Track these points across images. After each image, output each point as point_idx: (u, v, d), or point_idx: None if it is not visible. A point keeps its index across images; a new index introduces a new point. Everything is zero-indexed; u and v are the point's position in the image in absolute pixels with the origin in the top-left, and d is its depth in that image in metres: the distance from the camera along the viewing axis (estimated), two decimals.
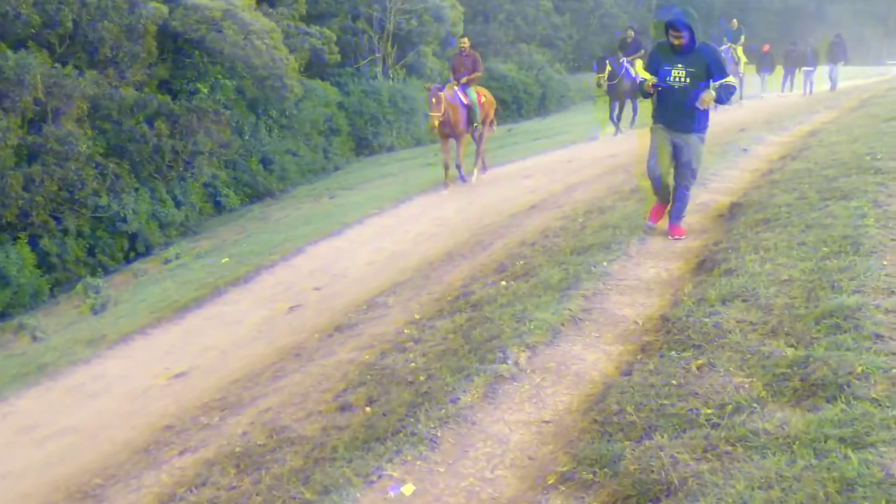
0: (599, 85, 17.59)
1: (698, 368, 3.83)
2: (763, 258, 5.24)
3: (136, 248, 17.71)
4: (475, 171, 14.27)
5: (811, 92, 23.44)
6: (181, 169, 18.90)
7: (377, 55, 30.30)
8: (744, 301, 4.55)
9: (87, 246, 17.08)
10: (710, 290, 4.90)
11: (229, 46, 20.48)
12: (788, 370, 3.56)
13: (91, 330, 9.64)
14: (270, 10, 25.70)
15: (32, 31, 16.92)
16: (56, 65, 16.74)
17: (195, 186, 19.49)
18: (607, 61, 17.46)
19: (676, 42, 6.66)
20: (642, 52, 17.89)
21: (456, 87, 13.36)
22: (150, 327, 8.56)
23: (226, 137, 20.78)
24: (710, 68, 6.68)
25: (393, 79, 30.57)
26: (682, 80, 6.71)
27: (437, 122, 12.72)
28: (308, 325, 7.80)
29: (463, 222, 11.24)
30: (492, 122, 14.63)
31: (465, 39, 14.24)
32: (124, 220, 17.26)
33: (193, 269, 12.35)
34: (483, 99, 13.93)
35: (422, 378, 4.90)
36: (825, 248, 5.17)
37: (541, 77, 39.30)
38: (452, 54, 14.71)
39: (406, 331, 6.25)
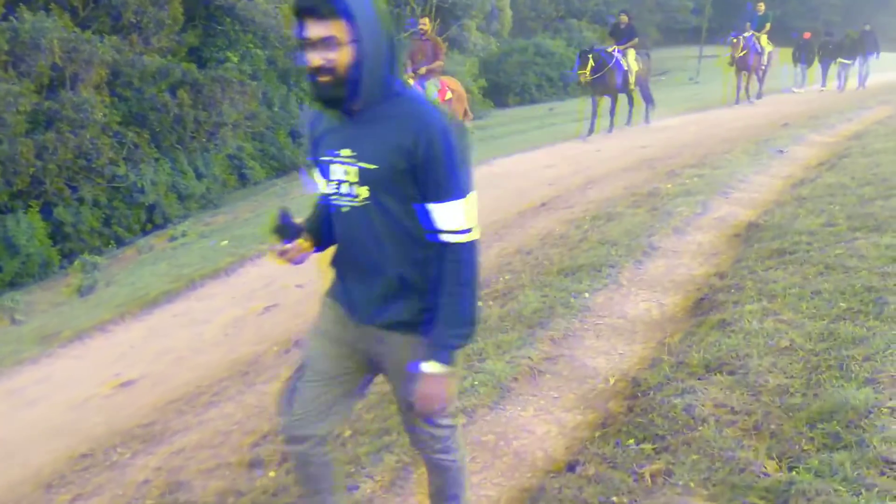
0: (580, 83, 15.79)
1: (652, 477, 2.91)
2: (766, 310, 4.26)
3: (153, 220, 17.15)
4: None
5: (842, 87, 21.46)
6: (204, 140, 18.22)
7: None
8: (730, 374, 3.60)
9: (104, 216, 16.54)
10: (695, 350, 3.95)
11: (260, 15, 19.69)
12: (762, 499, 2.62)
13: (62, 318, 8.98)
14: None
15: None
16: (76, 29, 16.06)
17: (218, 158, 18.83)
18: (590, 55, 15.32)
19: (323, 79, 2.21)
20: (636, 40, 16.21)
21: (413, 81, 11.02)
22: (112, 323, 7.83)
23: (253, 108, 20.05)
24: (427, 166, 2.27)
25: None
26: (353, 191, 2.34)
27: None
28: (274, 333, 7.00)
29: None
30: (465, 114, 12.69)
31: (426, 20, 11.87)
32: (142, 191, 16.66)
33: (193, 250, 11.63)
34: (449, 94, 11.73)
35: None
36: (842, 304, 4.18)
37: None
38: (409, 39, 12.27)
39: None
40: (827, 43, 22.29)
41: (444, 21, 30.31)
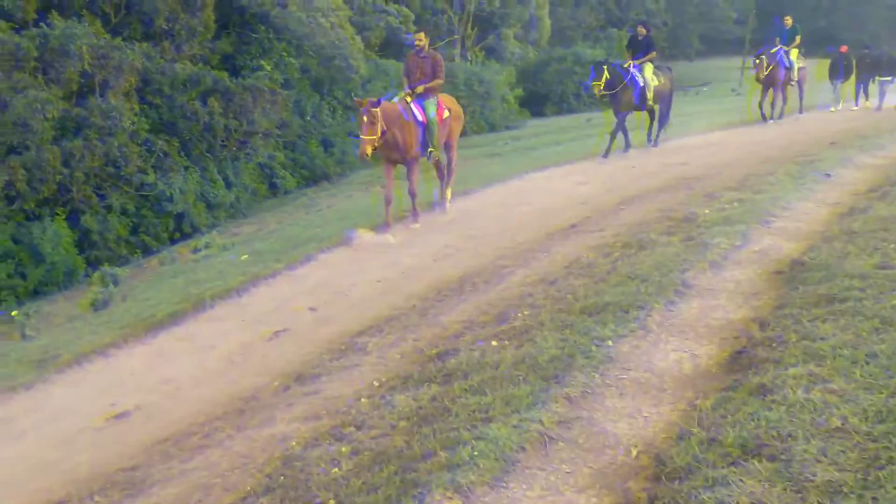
0: (593, 95, 14.95)
1: None
2: (813, 376, 3.68)
3: (181, 229, 16.86)
4: (448, 192, 11.44)
5: (880, 106, 20.05)
6: (234, 149, 17.91)
7: (456, 37, 28.85)
8: (771, 460, 3.04)
9: (131, 225, 16.30)
10: (730, 423, 3.39)
11: (294, 23, 19.37)
12: None
13: (70, 336, 8.61)
14: None
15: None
16: (105, 36, 15.82)
17: (249, 167, 18.50)
18: (605, 67, 14.55)
19: None
20: (654, 53, 15.22)
21: (410, 100, 10.24)
22: (114, 347, 7.43)
23: (286, 118, 19.72)
24: None
25: (471, 61, 29.08)
26: None
27: (369, 149, 9.55)
28: (278, 364, 6.53)
29: (497, 235, 9.82)
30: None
31: (422, 35, 10.71)
32: (170, 200, 16.37)
33: (212, 264, 11.26)
34: (446, 113, 10.81)
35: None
36: None
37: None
38: (407, 55, 11.38)
39: (358, 404, 4.92)
40: (864, 58, 20.74)
41: (481, 30, 29.86)
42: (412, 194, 10.51)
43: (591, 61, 35.37)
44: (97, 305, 10.12)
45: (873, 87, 20.51)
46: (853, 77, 20.69)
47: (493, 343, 5.41)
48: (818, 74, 21.58)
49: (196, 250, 13.25)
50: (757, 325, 4.75)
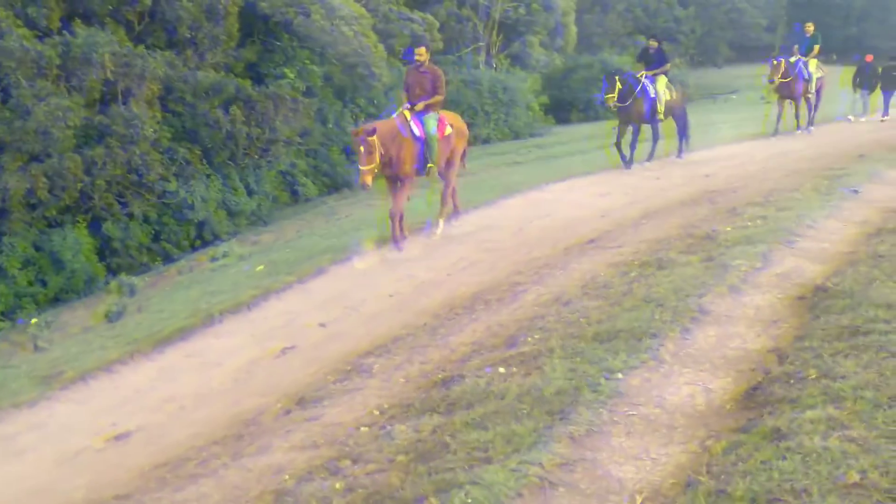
0: (606, 106, 14.43)
1: None
2: (831, 420, 3.42)
3: (202, 237, 16.77)
4: (441, 221, 10.67)
5: None
6: (256, 156, 17.81)
7: (481, 44, 28.64)
8: None
9: (153, 232, 16.24)
10: (740, 472, 3.15)
11: (317, 31, 19.26)
12: None
13: (80, 348, 8.50)
14: None
15: (110, 7, 16.03)
16: (128, 44, 15.80)
17: (270, 175, 18.40)
18: (616, 77, 14.07)
19: None
20: (668, 65, 14.85)
21: (410, 116, 9.83)
22: (120, 363, 7.28)
23: (308, 125, 19.62)
24: None
25: (496, 68, 28.86)
26: None
27: (370, 179, 9.22)
28: (283, 383, 6.36)
29: (513, 249, 9.59)
30: (463, 157, 11.15)
31: (423, 50, 10.18)
32: (192, 208, 16.29)
33: (228, 275, 11.14)
34: (448, 130, 10.28)
35: None
36: None
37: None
38: (406, 70, 10.84)
39: (357, 434, 4.72)
40: (891, 68, 19.83)
41: (506, 37, 29.64)
42: (392, 215, 9.81)
43: (612, 70, 35.24)
44: (111, 317, 10.02)
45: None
46: (878, 88, 19.91)
47: (501, 370, 5.19)
48: (842, 82, 20.96)
49: (214, 259, 13.15)
50: (775, 358, 4.49)
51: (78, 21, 15.38)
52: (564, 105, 32.54)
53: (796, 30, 18.82)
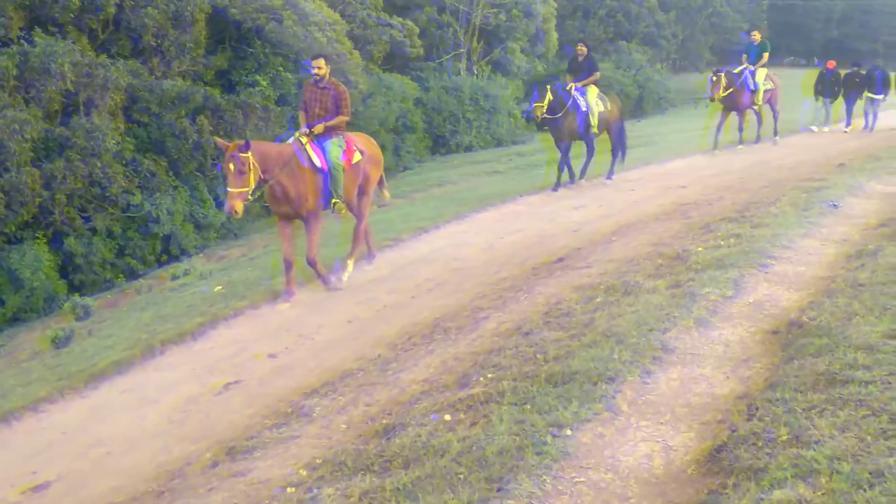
0: (533, 118, 13.17)
1: None
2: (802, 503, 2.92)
3: (169, 251, 16.17)
4: (350, 263, 9.22)
5: (872, 126, 18.37)
6: None
7: (462, 50, 28.14)
8: None
9: (117, 247, 15.61)
10: None
11: (289, 37, 18.70)
12: None
13: (16, 380, 7.93)
14: None
15: (72, 15, 15.43)
16: (90, 53, 15.21)
17: None
18: (548, 87, 12.75)
19: None
20: (597, 74, 13.43)
21: (306, 141, 8.32)
22: (48, 402, 6.74)
23: (280, 133, 19.04)
24: None
25: (477, 75, 28.36)
26: None
27: (239, 206, 7.66)
28: (217, 428, 5.84)
29: (482, 268, 9.11)
30: (381, 183, 9.80)
31: (321, 62, 8.62)
32: (157, 221, 15.69)
33: (184, 296, 10.55)
34: (357, 156, 8.79)
35: None
36: None
37: (639, 77, 36.36)
38: (304, 86, 9.17)
39: (284, 495, 4.22)
40: (853, 75, 18.85)
41: (487, 43, 29.16)
42: (311, 262, 8.59)
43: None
44: (58, 343, 9.45)
45: (862, 107, 18.76)
46: (840, 96, 19.00)
47: (447, 417, 4.69)
48: (804, 90, 20.25)
49: (175, 277, 12.59)
50: (744, 409, 3.99)
51: (38, 30, 14.77)
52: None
53: (743, 38, 18.14)
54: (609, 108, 13.41)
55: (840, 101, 18.94)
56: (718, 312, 5.46)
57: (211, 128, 16.49)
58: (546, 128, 13.40)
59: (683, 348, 4.90)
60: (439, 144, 26.38)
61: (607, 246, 8.95)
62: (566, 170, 13.57)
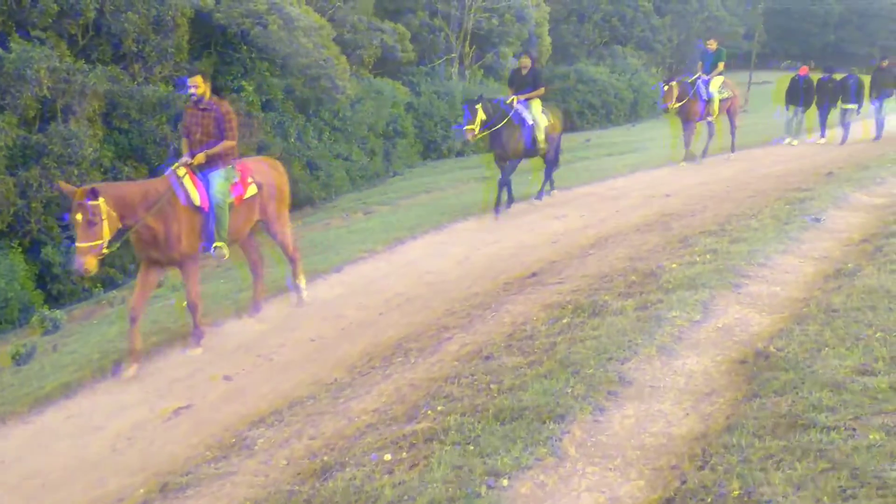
0: (466, 142, 11.81)
1: None
2: None
3: None
4: (301, 279, 8.57)
5: (846, 138, 16.88)
6: None
7: (454, 55, 27.82)
8: None
9: None
10: None
11: (275, 42, 18.40)
12: None
13: None
14: (339, 3, 23.60)
15: (50, 20, 15.11)
16: (68, 59, 14.90)
17: None
18: (479, 105, 11.34)
19: None
20: (542, 90, 12.16)
21: (185, 173, 7.08)
22: None
23: (269, 140, 18.76)
24: None
25: (469, 80, 28.05)
26: None
27: (92, 263, 6.45)
28: (159, 458, 5.51)
29: (454, 282, 8.78)
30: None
31: (199, 79, 7.36)
32: None
33: (151, 311, 10.18)
34: (253, 189, 7.60)
35: None
36: None
37: (633, 82, 36.13)
38: (184, 108, 7.79)
39: None
40: (826, 82, 17.34)
41: (479, 48, 28.84)
42: (191, 307, 7.47)
43: (592, 78, 34.38)
44: (19, 359, 9.10)
45: (835, 117, 17.36)
46: (813, 104, 17.49)
47: (387, 457, 4.35)
48: (774, 99, 19.35)
49: None
50: (699, 454, 3.64)
51: (15, 36, 14.46)
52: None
53: (699, 47, 17.34)
54: (552, 121, 12.31)
55: (814, 110, 17.56)
56: (684, 339, 5.11)
57: None
58: (489, 147, 12.09)
59: (643, 380, 4.55)
60: (430, 149, 26.08)
61: (583, 260, 8.61)
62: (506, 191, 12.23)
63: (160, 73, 16.69)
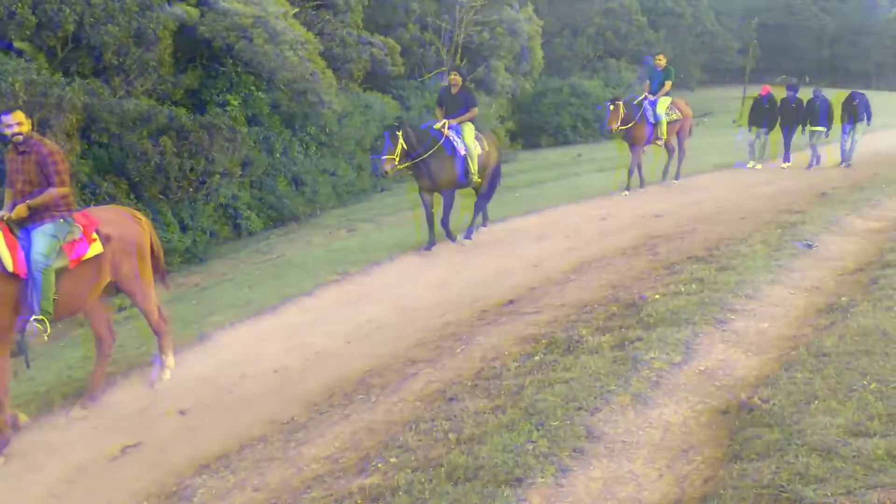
0: (382, 175, 10.13)
1: None
2: None
3: None
4: (168, 356, 7.12)
5: (817, 163, 15.79)
6: (191, 189, 16.42)
7: (444, 68, 27.38)
8: None
9: None
10: None
11: (260, 56, 17.96)
12: None
13: None
14: (328, 17, 23.21)
15: (28, 32, 14.69)
16: (46, 71, 14.45)
17: (208, 209, 17.01)
18: (400, 133, 9.67)
19: None
20: (475, 111, 10.58)
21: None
22: None
23: (255, 155, 18.32)
24: None
25: None
26: None
27: None
28: None
29: (429, 309, 8.35)
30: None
31: (18, 115, 5.88)
32: None
33: (121, 333, 9.70)
34: (97, 249, 6.16)
35: None
36: None
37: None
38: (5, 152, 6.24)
39: None
40: (787, 102, 15.93)
41: (470, 61, 28.46)
42: None
43: (586, 92, 33.96)
44: None
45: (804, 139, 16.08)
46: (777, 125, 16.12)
47: None
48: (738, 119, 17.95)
49: (121, 309, 11.74)
50: None
51: None
52: (534, 129, 31.54)
53: (646, 63, 16.04)
54: (487, 148, 10.69)
55: (777, 132, 16.15)
56: (662, 384, 4.66)
57: (174, 149, 15.72)
58: (415, 179, 10.37)
59: (613, 435, 4.10)
60: None
61: (563, 287, 8.17)
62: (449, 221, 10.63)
63: (142, 86, 16.24)
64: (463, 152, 10.18)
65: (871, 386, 4.05)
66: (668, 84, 13.90)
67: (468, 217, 11.12)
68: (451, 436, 4.53)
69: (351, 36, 24.20)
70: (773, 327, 5.59)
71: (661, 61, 14.09)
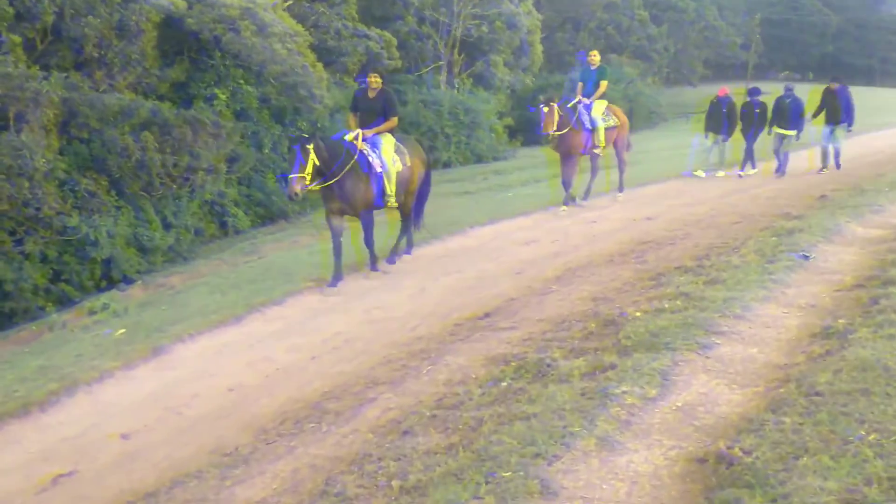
0: (293, 198, 8.37)
1: None
2: None
3: (110, 276, 14.82)
4: None
5: (783, 170, 14.47)
6: (175, 186, 15.88)
7: (442, 63, 26.82)
8: None
9: (52, 272, 14.27)
10: None
11: (248, 49, 17.39)
12: None
13: None
14: (323, 9, 22.64)
15: (6, 24, 14.14)
16: (21, 64, 13.91)
17: (193, 205, 16.49)
18: (311, 146, 8.13)
19: None
20: (396, 120, 9.16)
21: None
22: None
23: (243, 150, 17.78)
24: None
25: (458, 89, 27.02)
26: None
27: None
28: None
29: (402, 320, 7.82)
30: None
31: None
32: (95, 244, 14.36)
33: (84, 341, 9.20)
34: None
35: None
36: None
37: (629, 91, 35.01)
38: None
39: None
40: (753, 104, 14.58)
41: (469, 56, 27.85)
42: None
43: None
44: None
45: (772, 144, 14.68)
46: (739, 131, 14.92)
47: None
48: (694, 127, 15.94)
49: (92, 312, 11.24)
50: None
51: None
52: (534, 126, 30.86)
53: (580, 59, 14.07)
54: (409, 163, 9.25)
55: (738, 137, 14.95)
56: (633, 424, 4.10)
57: (156, 144, 15.19)
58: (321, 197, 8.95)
59: (573, 489, 3.54)
60: None
61: (543, 298, 7.61)
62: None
63: (125, 80, 15.71)
64: (379, 169, 8.76)
65: (870, 437, 3.49)
66: (604, 85, 12.43)
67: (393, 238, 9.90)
68: (394, 483, 3.98)
69: (346, 28, 23.64)
70: (763, 353, 5.02)
71: (595, 58, 12.62)
